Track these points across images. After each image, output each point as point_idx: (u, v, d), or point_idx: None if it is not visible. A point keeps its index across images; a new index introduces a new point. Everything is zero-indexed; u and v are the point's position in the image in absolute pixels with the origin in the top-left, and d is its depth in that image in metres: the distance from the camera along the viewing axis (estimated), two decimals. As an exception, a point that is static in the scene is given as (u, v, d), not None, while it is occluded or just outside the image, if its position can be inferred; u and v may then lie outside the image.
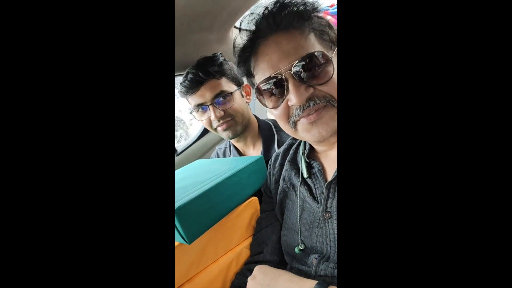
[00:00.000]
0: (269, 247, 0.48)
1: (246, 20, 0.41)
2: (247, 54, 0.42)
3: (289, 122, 0.41)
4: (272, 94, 0.40)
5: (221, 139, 1.13)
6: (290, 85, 0.37)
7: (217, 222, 0.46)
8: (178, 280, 0.42)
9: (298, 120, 0.39)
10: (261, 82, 0.40)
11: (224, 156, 0.85)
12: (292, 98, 0.37)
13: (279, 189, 0.50)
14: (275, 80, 0.38)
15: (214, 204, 0.45)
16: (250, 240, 0.53)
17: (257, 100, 0.42)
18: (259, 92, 0.41)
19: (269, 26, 0.39)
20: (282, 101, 0.39)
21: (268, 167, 0.57)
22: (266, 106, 0.42)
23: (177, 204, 0.40)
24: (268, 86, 0.40)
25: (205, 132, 1.12)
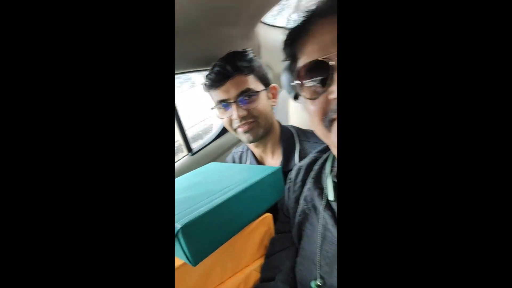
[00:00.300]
0: (282, 275, 0.42)
1: None
2: (298, 33, 0.35)
3: (324, 120, 0.33)
4: (313, 81, 0.33)
5: (239, 142, 1.08)
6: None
7: (227, 241, 0.41)
8: (179, 304, 0.38)
9: (335, 120, 0.32)
10: (305, 65, 0.33)
11: (240, 161, 0.80)
12: (335, 90, 0.30)
13: (298, 209, 0.44)
14: (320, 64, 0.31)
15: (224, 221, 0.40)
16: (260, 261, 0.48)
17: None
18: (299, 76, 0.34)
19: (331, 6, 0.32)
20: (323, 93, 0.32)
21: (288, 181, 0.51)
22: (303, 96, 0.34)
23: (184, 220, 0.35)
24: (311, 71, 0.32)
25: (222, 132, 1.08)
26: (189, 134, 1.01)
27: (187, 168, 0.97)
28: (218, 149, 1.05)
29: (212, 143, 1.05)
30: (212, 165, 0.67)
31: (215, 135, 1.07)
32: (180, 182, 0.56)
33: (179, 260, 0.38)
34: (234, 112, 0.62)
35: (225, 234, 0.41)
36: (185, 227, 0.34)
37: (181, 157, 1.01)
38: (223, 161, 0.77)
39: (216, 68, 0.62)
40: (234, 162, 0.82)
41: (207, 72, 0.64)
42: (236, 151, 0.84)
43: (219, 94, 0.63)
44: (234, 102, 0.62)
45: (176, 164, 0.98)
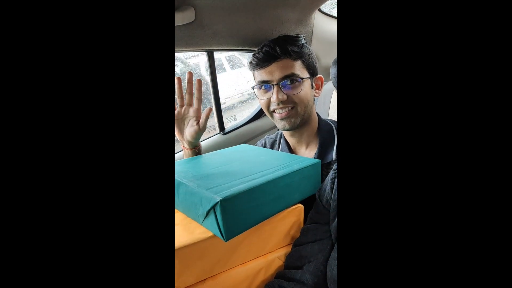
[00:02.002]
0: (312, 266, 0.41)
1: None
2: None
3: None
4: None
5: (272, 128, 1.07)
6: None
7: (258, 223, 0.40)
8: (202, 274, 0.38)
9: None
10: None
11: (272, 148, 0.79)
12: None
13: None
14: None
15: (260, 203, 0.39)
16: (284, 250, 0.47)
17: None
18: None
19: None
20: None
21: (331, 172, 0.48)
22: None
23: (223, 193, 0.34)
24: None
25: (257, 116, 1.07)
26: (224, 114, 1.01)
27: (217, 147, 0.97)
28: (251, 132, 1.05)
29: (245, 126, 1.05)
30: (245, 146, 0.66)
31: (250, 117, 1.07)
32: (212, 157, 0.56)
33: (208, 231, 0.38)
34: (274, 94, 0.61)
35: (258, 216, 0.40)
36: (224, 201, 0.33)
37: (212, 135, 1.02)
38: (254, 145, 0.77)
39: (265, 48, 0.61)
40: (265, 147, 0.81)
41: (255, 51, 0.63)
42: (268, 137, 0.82)
43: (262, 74, 0.62)
44: (276, 84, 0.60)
45: (206, 141, 0.99)
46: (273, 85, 0.61)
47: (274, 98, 0.61)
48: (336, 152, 0.62)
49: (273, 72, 0.60)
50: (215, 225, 0.35)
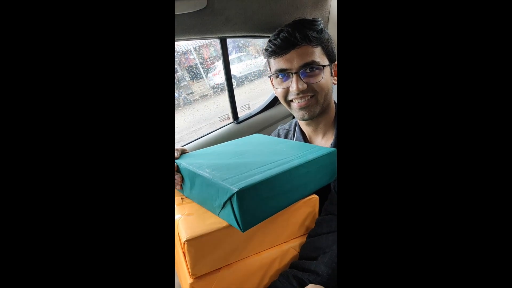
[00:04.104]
0: (326, 257, 0.41)
1: None
2: None
3: None
4: None
5: (286, 117, 1.05)
6: None
7: (275, 214, 0.40)
8: (217, 263, 0.38)
9: None
10: None
11: (286, 138, 0.77)
12: None
13: None
14: None
15: (276, 194, 0.39)
16: (299, 240, 0.47)
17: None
18: None
19: None
20: None
21: None
22: None
23: (240, 184, 0.34)
24: None
25: (271, 105, 1.05)
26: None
27: (231, 136, 0.97)
28: (264, 121, 1.03)
29: (259, 115, 1.04)
30: (258, 136, 0.65)
31: (263, 106, 1.05)
32: (226, 148, 0.55)
33: (223, 221, 0.38)
34: (293, 83, 0.57)
35: (275, 206, 0.40)
36: (241, 192, 0.33)
37: (226, 124, 1.02)
38: (268, 134, 0.76)
39: (283, 34, 0.56)
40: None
41: (270, 37, 0.59)
42: (282, 128, 0.80)
43: (280, 62, 0.58)
44: (296, 73, 0.57)
45: (220, 131, 0.99)
46: (291, 73, 0.57)
47: (293, 87, 0.57)
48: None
49: (292, 60, 0.57)
50: (232, 216, 0.35)
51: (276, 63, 0.59)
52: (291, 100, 0.61)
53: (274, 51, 0.58)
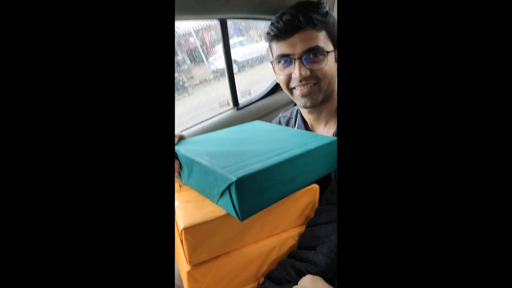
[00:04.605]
0: (325, 247, 0.40)
1: None
2: None
3: None
4: None
5: (288, 104, 1.03)
6: None
7: (274, 203, 0.39)
8: (215, 251, 0.38)
9: None
10: None
11: (287, 126, 0.76)
12: None
13: None
14: None
15: (276, 183, 0.38)
16: (298, 230, 0.46)
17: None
18: None
19: None
20: None
21: None
22: None
23: (238, 173, 0.33)
24: None
25: (272, 91, 1.03)
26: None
27: (231, 122, 0.95)
28: (265, 108, 1.01)
29: (260, 101, 1.01)
30: (259, 123, 0.64)
31: (265, 92, 1.03)
32: (226, 135, 0.54)
33: (221, 209, 0.37)
34: (296, 70, 0.54)
35: (274, 196, 0.39)
36: (239, 181, 0.32)
37: (225, 110, 1.00)
38: (269, 121, 0.74)
39: (286, 17, 0.53)
40: None
41: (273, 20, 0.56)
42: (283, 115, 0.79)
43: (282, 47, 0.55)
44: (299, 59, 0.54)
45: (219, 117, 0.97)
46: (294, 59, 0.55)
47: (296, 74, 0.54)
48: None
49: (295, 44, 0.53)
50: (230, 205, 0.34)
51: (279, 48, 0.56)
52: (293, 87, 0.58)
53: (276, 35, 0.55)
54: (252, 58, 2.57)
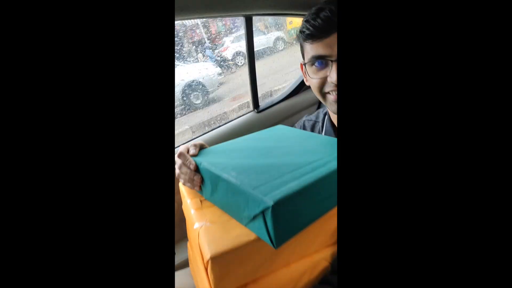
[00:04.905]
0: None
1: None
2: None
3: None
4: None
5: (311, 105, 0.97)
6: None
7: (309, 225, 0.35)
8: (243, 279, 0.34)
9: None
10: None
11: (313, 131, 0.70)
12: None
13: None
14: None
15: (314, 202, 0.34)
16: (331, 250, 0.42)
17: None
18: None
19: None
20: None
21: None
22: None
23: (273, 195, 0.29)
24: None
25: (295, 92, 0.98)
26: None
27: (251, 126, 0.91)
28: (288, 110, 0.96)
29: (282, 103, 0.96)
30: (283, 128, 0.59)
31: (286, 94, 0.98)
32: (250, 143, 0.49)
33: (250, 232, 0.33)
34: (333, 73, 0.48)
35: (310, 217, 0.35)
36: (277, 205, 0.28)
37: (245, 113, 0.96)
38: (290, 125, 0.69)
39: (324, 14, 0.47)
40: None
41: (307, 17, 0.50)
42: (308, 119, 0.73)
43: (318, 47, 0.49)
44: (336, 60, 0.48)
45: (239, 120, 0.93)
46: (331, 61, 0.48)
47: (333, 78, 0.48)
48: None
49: (333, 45, 0.47)
50: (264, 231, 0.30)
51: (313, 49, 0.50)
52: (328, 92, 0.53)
53: (312, 34, 0.49)
54: (259, 50, 2.52)
